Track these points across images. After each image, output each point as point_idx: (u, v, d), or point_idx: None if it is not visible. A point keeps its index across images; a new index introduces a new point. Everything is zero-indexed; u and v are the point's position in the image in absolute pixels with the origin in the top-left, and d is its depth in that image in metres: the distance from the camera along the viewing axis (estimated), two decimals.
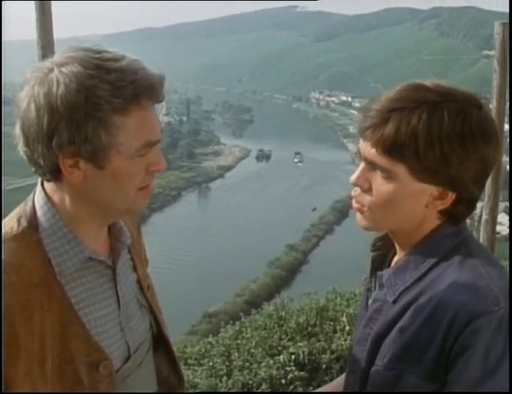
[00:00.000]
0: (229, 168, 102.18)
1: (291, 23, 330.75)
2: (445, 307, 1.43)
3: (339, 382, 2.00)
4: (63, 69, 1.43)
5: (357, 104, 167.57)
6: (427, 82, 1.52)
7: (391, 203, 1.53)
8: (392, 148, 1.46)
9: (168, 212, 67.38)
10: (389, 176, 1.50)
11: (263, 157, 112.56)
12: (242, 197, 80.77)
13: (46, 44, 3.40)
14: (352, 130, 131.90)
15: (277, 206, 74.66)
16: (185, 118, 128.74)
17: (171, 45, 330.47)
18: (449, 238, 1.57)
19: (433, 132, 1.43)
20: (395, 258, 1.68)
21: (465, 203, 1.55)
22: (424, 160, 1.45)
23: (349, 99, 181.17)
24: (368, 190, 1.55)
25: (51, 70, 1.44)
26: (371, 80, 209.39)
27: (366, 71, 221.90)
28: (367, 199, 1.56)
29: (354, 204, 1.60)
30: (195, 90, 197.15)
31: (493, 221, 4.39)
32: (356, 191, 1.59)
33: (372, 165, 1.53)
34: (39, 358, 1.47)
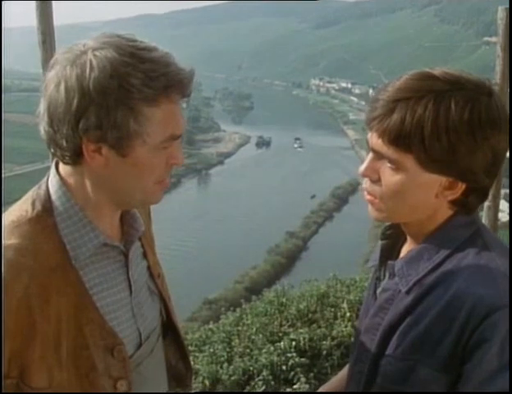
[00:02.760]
0: (229, 155, 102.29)
1: (291, 9, 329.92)
2: (463, 299, 1.41)
3: (342, 376, 1.98)
4: (97, 53, 1.41)
5: (357, 91, 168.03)
6: (435, 70, 1.48)
7: (401, 194, 1.50)
8: (398, 139, 1.44)
9: (168, 198, 67.25)
10: (397, 166, 1.47)
11: (263, 143, 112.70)
12: (242, 184, 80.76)
13: (46, 30, 3.39)
14: (352, 116, 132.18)
15: (277, 193, 74.65)
16: (184, 105, 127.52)
17: (171, 31, 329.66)
18: (463, 228, 1.54)
19: (440, 122, 1.41)
20: (406, 248, 1.66)
21: (477, 193, 1.52)
22: (431, 150, 1.42)
23: (349, 86, 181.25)
24: (377, 181, 1.53)
25: (84, 52, 1.43)
26: (371, 66, 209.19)
27: (366, 57, 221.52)
28: (377, 190, 1.54)
29: (366, 196, 1.58)
30: (195, 77, 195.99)
31: (495, 207, 4.38)
32: (366, 183, 1.57)
33: (379, 155, 1.51)
34: (55, 342, 1.47)
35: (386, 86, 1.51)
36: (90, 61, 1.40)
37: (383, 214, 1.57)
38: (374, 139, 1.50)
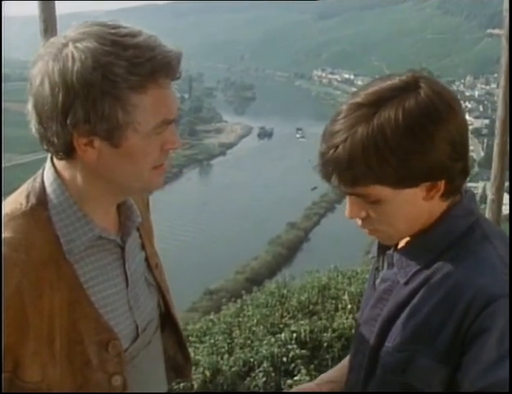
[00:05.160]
0: (230, 146, 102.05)
1: (293, 0, 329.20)
2: (463, 289, 1.41)
3: (341, 367, 2.00)
4: (78, 44, 1.39)
5: (359, 82, 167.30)
6: (359, 97, 1.46)
7: (394, 218, 1.51)
8: (355, 181, 1.44)
9: (169, 189, 67.34)
10: (374, 199, 1.47)
11: (265, 134, 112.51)
12: (243, 174, 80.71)
13: (48, 18, 3.38)
14: None
15: (278, 184, 74.62)
16: (186, 95, 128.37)
17: (173, 22, 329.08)
18: (461, 219, 1.53)
19: (380, 146, 1.39)
20: (405, 238, 1.64)
21: (458, 176, 1.49)
22: (389, 175, 1.41)
23: (352, 77, 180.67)
24: (368, 217, 1.53)
25: (65, 45, 1.40)
26: (373, 58, 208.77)
27: (368, 49, 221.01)
28: (372, 224, 1.54)
29: (370, 233, 1.58)
30: (197, 67, 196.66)
31: (499, 200, 4.35)
32: (359, 222, 1.56)
33: (355, 194, 1.50)
34: (48, 337, 1.46)
35: (325, 134, 1.50)
36: (72, 54, 1.38)
37: (390, 240, 1.60)
38: (341, 187, 1.48)
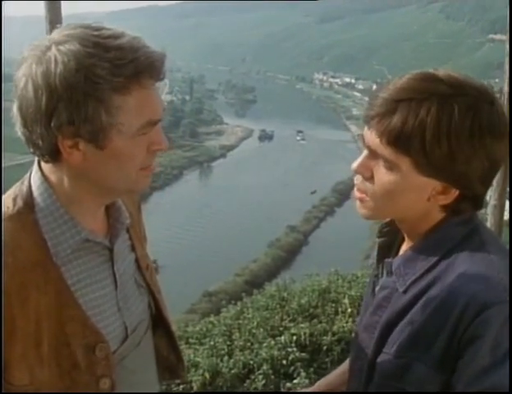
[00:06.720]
0: (231, 148, 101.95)
1: (296, 3, 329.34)
2: (456, 297, 1.41)
3: (340, 372, 2.01)
4: (61, 47, 1.39)
5: (360, 86, 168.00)
6: (439, 72, 1.47)
7: (392, 194, 1.50)
8: (398, 140, 1.42)
9: (169, 191, 67.32)
10: (391, 166, 1.46)
11: (266, 137, 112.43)
12: (243, 177, 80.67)
13: (54, 19, 3.39)
14: (355, 112, 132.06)
15: (278, 187, 74.60)
16: (187, 97, 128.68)
17: (175, 23, 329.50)
18: (459, 226, 1.53)
19: (442, 127, 1.39)
20: (404, 246, 1.66)
21: (469, 201, 1.51)
22: (430, 155, 1.41)
23: (353, 81, 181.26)
24: (369, 179, 1.52)
25: (48, 48, 1.40)
26: (375, 62, 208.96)
27: (370, 52, 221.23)
28: (368, 187, 1.53)
29: (356, 193, 1.58)
30: (198, 69, 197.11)
31: (501, 207, 4.35)
32: (358, 179, 1.56)
33: (375, 154, 1.49)
34: (35, 340, 1.46)
35: (388, 85, 1.49)
36: (55, 57, 1.38)
37: (371, 212, 1.57)
38: (372, 137, 1.48)
